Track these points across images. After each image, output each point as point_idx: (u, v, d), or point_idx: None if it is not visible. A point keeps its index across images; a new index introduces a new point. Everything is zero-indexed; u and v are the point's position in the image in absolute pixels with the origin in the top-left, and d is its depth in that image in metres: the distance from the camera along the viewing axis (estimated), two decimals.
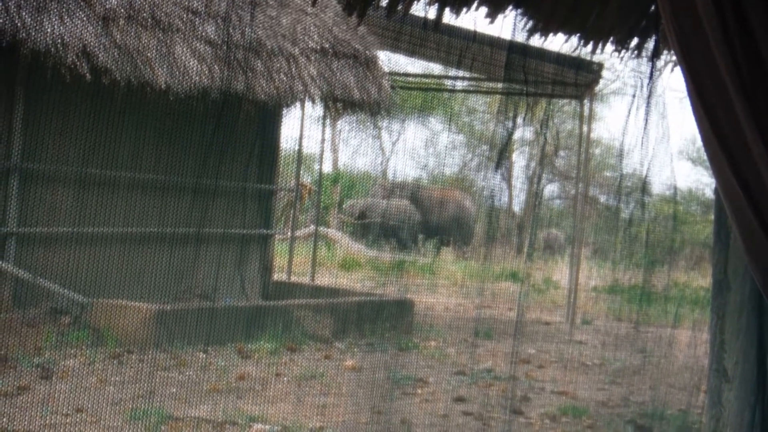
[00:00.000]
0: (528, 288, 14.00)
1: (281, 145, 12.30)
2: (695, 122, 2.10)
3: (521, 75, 5.73)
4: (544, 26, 4.02)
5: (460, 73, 13.49)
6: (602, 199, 20.96)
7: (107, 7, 8.99)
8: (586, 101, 13.12)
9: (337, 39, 11.00)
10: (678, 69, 2.19)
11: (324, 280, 13.46)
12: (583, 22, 3.99)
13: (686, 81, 2.09)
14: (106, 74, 8.74)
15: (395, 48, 11.22)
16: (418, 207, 19.15)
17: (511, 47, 5.03)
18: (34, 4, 8.36)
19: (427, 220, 19.76)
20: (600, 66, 11.99)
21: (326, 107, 11.40)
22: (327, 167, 20.90)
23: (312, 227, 16.01)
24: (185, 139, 9.70)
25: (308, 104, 10.82)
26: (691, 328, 10.53)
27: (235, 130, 10.44)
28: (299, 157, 12.89)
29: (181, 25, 9.54)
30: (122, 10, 9.10)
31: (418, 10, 4.08)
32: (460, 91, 16.26)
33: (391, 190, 19.26)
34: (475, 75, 13.08)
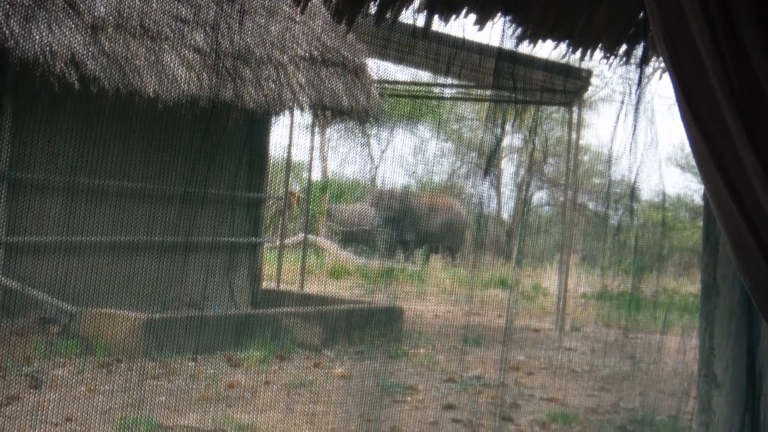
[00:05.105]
0: (517, 295, 14.00)
1: (270, 153, 12.30)
2: (684, 128, 2.10)
3: (510, 82, 5.73)
4: (533, 33, 4.02)
5: (449, 81, 13.51)
6: (591, 205, 20.98)
7: (96, 15, 8.97)
8: (574, 108, 13.15)
9: (326, 47, 11.00)
10: (666, 76, 2.19)
11: (313, 288, 13.44)
12: (571, 29, 4.00)
13: (674, 86, 2.09)
14: (95, 83, 8.72)
15: (384, 56, 11.23)
16: (403, 214, 19.07)
17: (500, 54, 5.02)
18: (23, 12, 8.34)
19: (416, 227, 19.73)
20: (589, 73, 12.01)
21: (315, 115, 11.40)
22: (316, 175, 20.86)
23: (301, 235, 15.98)
24: (174, 148, 9.68)
25: (297, 112, 10.83)
26: (680, 334, 10.55)
27: (224, 138, 10.42)
28: (288, 165, 12.89)
29: (169, 34, 9.53)
30: (111, 19, 9.09)
31: (407, 17, 4.08)
32: (448, 98, 16.27)
33: (378, 197, 19.21)
34: (464, 82, 13.09)
